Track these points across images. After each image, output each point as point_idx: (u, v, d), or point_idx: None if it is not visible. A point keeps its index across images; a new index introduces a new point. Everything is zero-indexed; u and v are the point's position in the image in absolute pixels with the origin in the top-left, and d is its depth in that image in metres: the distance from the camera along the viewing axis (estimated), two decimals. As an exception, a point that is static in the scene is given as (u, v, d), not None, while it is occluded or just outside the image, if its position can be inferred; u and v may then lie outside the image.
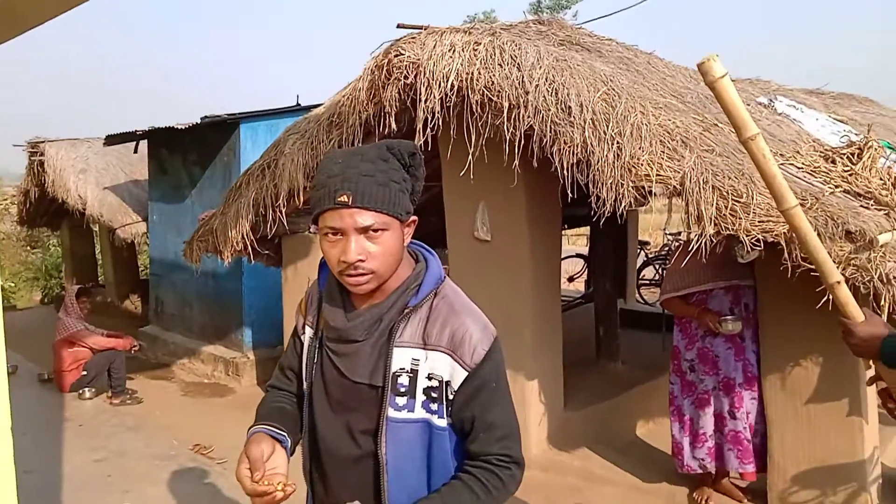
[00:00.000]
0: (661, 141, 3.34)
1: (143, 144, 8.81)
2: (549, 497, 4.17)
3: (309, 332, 1.65)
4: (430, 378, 1.48)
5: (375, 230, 1.43)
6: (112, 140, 8.15)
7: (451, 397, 1.48)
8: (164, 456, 5.08)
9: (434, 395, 1.48)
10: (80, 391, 6.57)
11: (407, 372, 1.48)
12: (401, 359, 1.48)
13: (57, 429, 5.72)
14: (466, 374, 1.46)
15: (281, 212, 5.06)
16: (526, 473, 1.57)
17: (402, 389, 1.48)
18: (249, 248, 5.55)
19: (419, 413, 1.48)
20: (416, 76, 3.87)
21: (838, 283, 2.06)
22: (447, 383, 1.47)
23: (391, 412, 1.48)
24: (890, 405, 2.05)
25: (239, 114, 7.28)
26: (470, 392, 1.47)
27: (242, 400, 6.60)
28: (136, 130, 7.75)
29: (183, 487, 4.51)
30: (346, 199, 1.41)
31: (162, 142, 8.17)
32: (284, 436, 1.58)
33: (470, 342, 1.47)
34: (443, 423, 1.49)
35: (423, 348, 1.49)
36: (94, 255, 12.31)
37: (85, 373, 6.59)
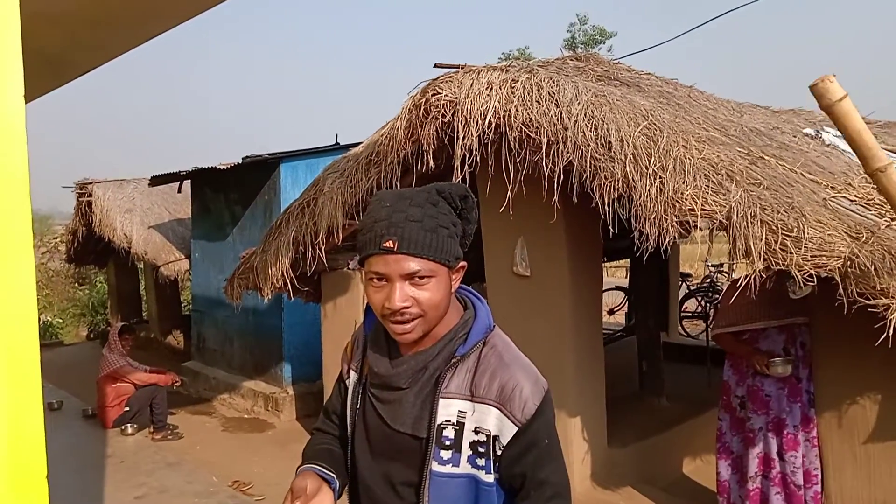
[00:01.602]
0: (705, 175, 3.27)
1: (187, 184, 9.01)
2: (594, 540, 4.05)
3: (353, 376, 1.62)
4: (477, 432, 1.42)
5: (421, 277, 1.39)
6: (157, 181, 8.35)
7: (499, 453, 1.42)
8: (203, 493, 5.07)
9: (481, 449, 1.42)
10: (123, 427, 6.63)
11: (453, 424, 1.42)
12: (446, 410, 1.43)
13: (99, 465, 5.77)
14: (517, 429, 1.40)
15: (320, 249, 5.10)
16: (570, 513, 1.50)
17: (448, 443, 1.42)
18: (289, 284, 5.59)
19: (465, 468, 1.42)
20: (453, 114, 3.88)
21: None
22: (496, 438, 1.41)
23: (435, 466, 1.42)
24: None
25: (279, 153, 7.40)
26: (520, 449, 1.41)
27: (282, 435, 6.59)
28: (180, 171, 7.93)
29: (223, 526, 4.49)
30: (392, 245, 1.37)
31: (205, 182, 8.33)
32: (332, 476, 1.54)
33: (521, 396, 1.40)
34: (490, 478, 1.43)
35: (471, 400, 1.43)
36: (138, 291, 12.56)
37: (128, 408, 6.66)
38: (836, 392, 3.67)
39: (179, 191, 9.45)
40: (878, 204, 3.34)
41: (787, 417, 3.75)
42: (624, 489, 4.56)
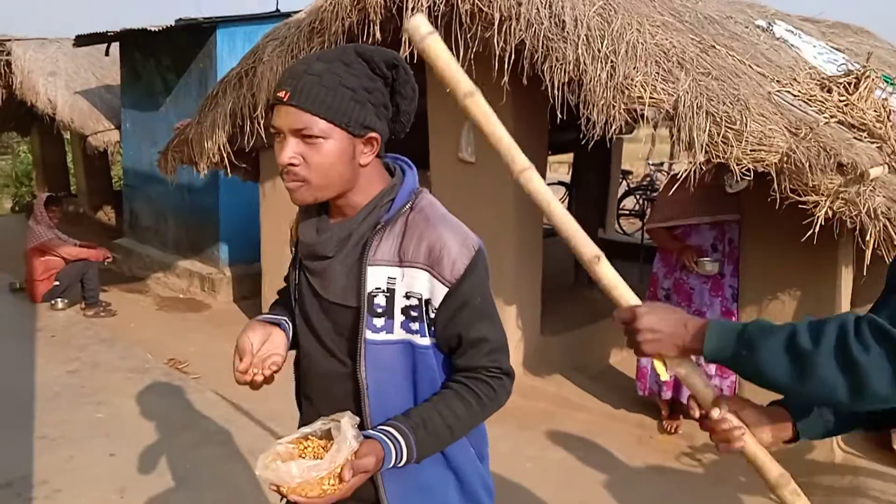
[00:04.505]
0: (656, 62, 3.21)
1: (115, 47, 8.44)
2: (522, 422, 4.21)
3: (295, 252, 1.60)
4: (408, 297, 1.40)
5: (313, 135, 1.33)
6: (82, 41, 7.76)
7: (432, 315, 1.41)
8: (138, 369, 5.04)
9: (414, 314, 1.40)
10: (53, 301, 6.47)
11: (383, 292, 1.40)
12: (375, 278, 1.40)
13: (29, 339, 5.66)
14: (447, 290, 1.38)
15: (259, 123, 4.89)
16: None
17: (379, 310, 1.41)
18: (226, 160, 5.39)
19: (399, 334, 1.41)
20: (403, -18, 3.67)
21: (597, 258, 1.33)
22: (427, 301, 1.40)
23: (369, 334, 1.41)
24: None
25: (216, 18, 6.95)
26: (453, 310, 1.40)
27: (218, 316, 6.55)
28: (107, 31, 7.39)
29: (157, 401, 4.49)
30: (283, 96, 1.33)
31: (134, 44, 7.80)
32: (283, 320, 1.56)
33: (449, 257, 1.38)
34: (426, 341, 1.42)
35: (400, 266, 1.40)
36: (65, 163, 11.98)
37: (57, 283, 6.48)
38: (759, 287, 3.82)
39: (107, 54, 8.81)
40: (818, 101, 3.36)
41: (707, 310, 3.89)
42: (553, 376, 4.73)
